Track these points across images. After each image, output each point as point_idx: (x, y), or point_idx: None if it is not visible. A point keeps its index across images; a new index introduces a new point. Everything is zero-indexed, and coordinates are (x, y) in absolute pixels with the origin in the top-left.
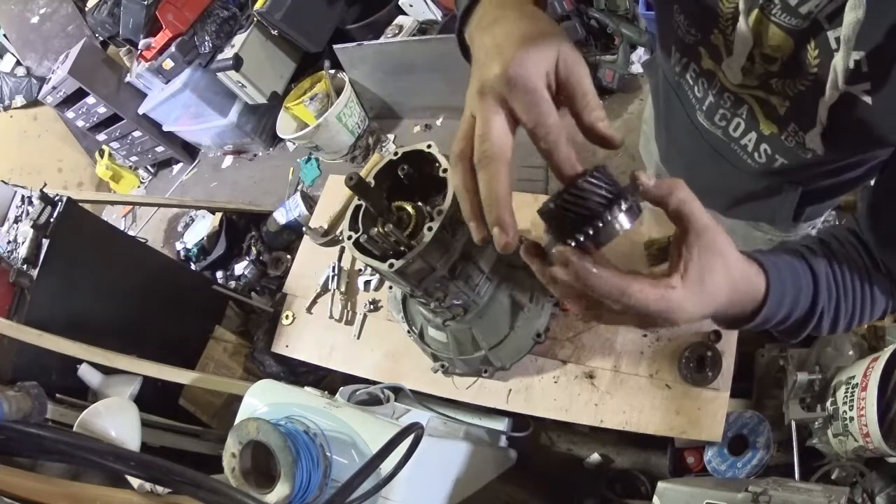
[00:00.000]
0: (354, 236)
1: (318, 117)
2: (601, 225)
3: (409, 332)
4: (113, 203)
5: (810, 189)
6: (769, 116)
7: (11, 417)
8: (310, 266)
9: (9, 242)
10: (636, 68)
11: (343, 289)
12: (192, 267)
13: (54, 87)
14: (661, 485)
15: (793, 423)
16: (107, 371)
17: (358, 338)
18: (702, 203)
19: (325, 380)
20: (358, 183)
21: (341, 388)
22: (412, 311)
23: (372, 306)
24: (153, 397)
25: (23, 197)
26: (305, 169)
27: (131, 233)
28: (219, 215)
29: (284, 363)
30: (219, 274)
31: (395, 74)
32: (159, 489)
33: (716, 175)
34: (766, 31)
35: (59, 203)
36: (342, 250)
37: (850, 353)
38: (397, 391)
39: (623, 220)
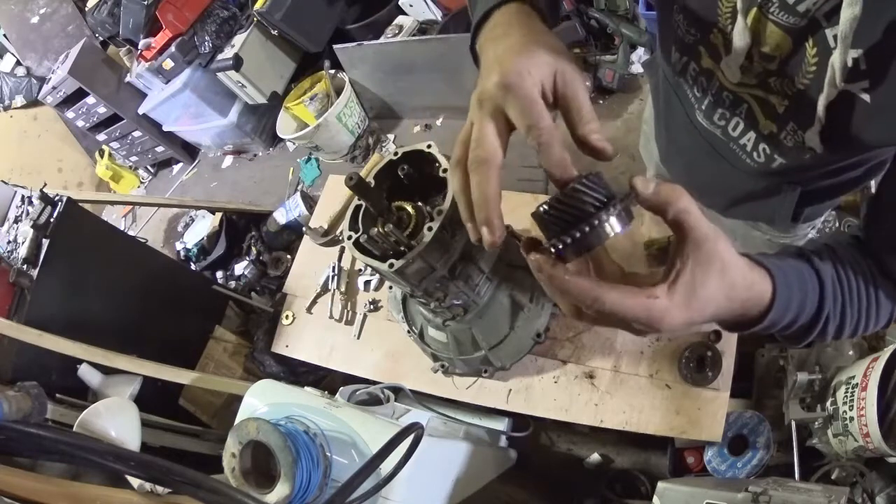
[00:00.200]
0: (354, 236)
1: (318, 117)
2: (587, 229)
3: (409, 332)
4: (113, 203)
5: (809, 189)
6: (768, 115)
7: (11, 417)
8: (310, 266)
9: (9, 242)
10: (636, 68)
11: (343, 289)
12: (192, 267)
13: (54, 87)
14: (661, 485)
15: (793, 423)
16: (107, 371)
17: (358, 338)
18: (701, 203)
19: (325, 380)
20: (358, 183)
21: (341, 388)
22: (412, 311)
23: (372, 306)
24: (153, 397)
25: (23, 197)
26: (305, 169)
27: (131, 233)
28: (219, 215)
29: (284, 363)
30: (219, 274)
31: (395, 74)
32: (159, 489)
33: (715, 175)
34: (764, 29)
35: (59, 203)
36: (342, 250)
37: (850, 353)
38: (397, 391)
39: (613, 224)
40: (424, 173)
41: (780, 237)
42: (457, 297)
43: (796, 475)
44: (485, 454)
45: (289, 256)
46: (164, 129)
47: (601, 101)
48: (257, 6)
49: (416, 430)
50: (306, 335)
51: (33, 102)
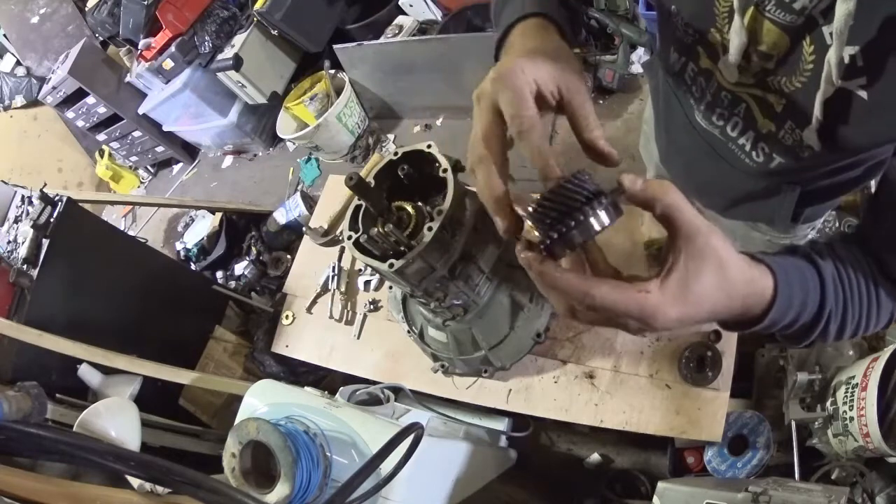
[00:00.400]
0: (354, 236)
1: (318, 117)
2: (573, 224)
3: (409, 332)
4: (113, 203)
5: (809, 189)
6: (766, 115)
7: (11, 417)
8: (310, 266)
9: (9, 242)
10: (636, 68)
11: (343, 289)
12: (192, 267)
13: (54, 87)
14: (661, 485)
15: (793, 423)
16: (107, 371)
17: (358, 338)
18: (701, 203)
19: (325, 380)
20: (358, 183)
21: (341, 388)
22: (412, 311)
23: (372, 306)
24: (153, 397)
25: (23, 197)
26: (305, 169)
27: (131, 233)
28: (219, 215)
29: (284, 363)
30: (219, 274)
31: (395, 74)
32: (159, 489)
33: (714, 175)
34: (760, 28)
35: (59, 203)
36: (342, 250)
37: (850, 353)
38: (397, 391)
39: (600, 217)
40: (424, 173)
41: (779, 238)
42: (457, 297)
43: (796, 475)
44: (485, 454)
45: (289, 256)
46: (164, 129)
47: (601, 101)
48: (257, 6)
49: (416, 430)
50: (306, 335)
51: (33, 102)
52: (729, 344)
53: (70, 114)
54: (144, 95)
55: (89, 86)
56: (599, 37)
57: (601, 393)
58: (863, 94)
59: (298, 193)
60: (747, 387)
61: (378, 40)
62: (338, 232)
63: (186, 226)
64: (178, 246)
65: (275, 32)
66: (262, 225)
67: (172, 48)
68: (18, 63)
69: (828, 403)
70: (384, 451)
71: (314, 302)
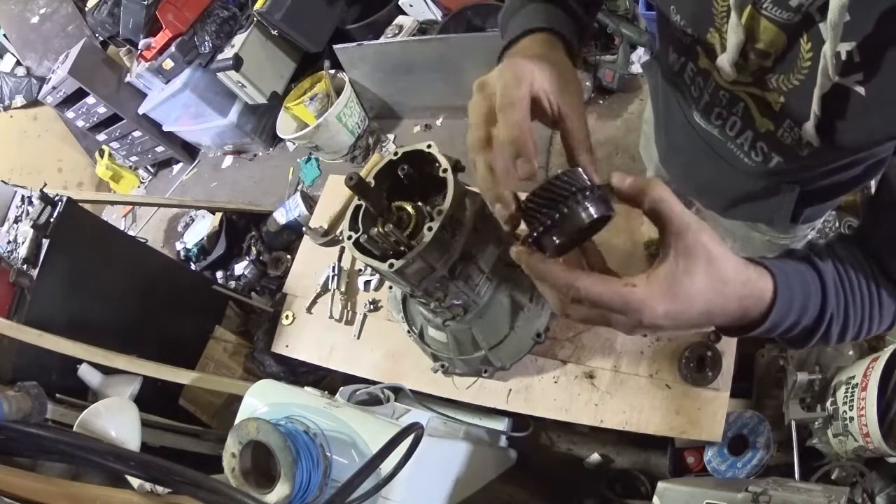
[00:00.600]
0: (354, 236)
1: (318, 117)
2: (557, 216)
3: (409, 332)
4: (113, 203)
5: (808, 189)
6: (764, 113)
7: (11, 417)
8: (310, 266)
9: (9, 242)
10: (636, 68)
11: (343, 289)
12: (192, 267)
13: (54, 87)
14: (661, 485)
15: (793, 423)
16: (107, 371)
17: (358, 338)
18: (700, 203)
19: (325, 380)
20: (358, 183)
21: (341, 388)
22: (412, 311)
23: (372, 306)
24: (153, 397)
25: (23, 197)
26: (305, 169)
27: (131, 233)
28: (219, 215)
29: (284, 363)
30: (219, 274)
31: (395, 74)
32: (159, 489)
33: (713, 175)
34: (758, 25)
35: (59, 203)
36: (342, 250)
37: (850, 353)
38: (397, 391)
39: (588, 209)
40: (424, 173)
41: (779, 238)
42: (457, 297)
43: (796, 475)
44: (485, 454)
45: (289, 256)
46: (164, 129)
47: (601, 101)
48: (257, 6)
49: (416, 430)
50: (306, 335)
51: (33, 102)
52: (729, 344)
53: (70, 114)
54: (144, 95)
55: (89, 86)
56: (599, 37)
57: (601, 393)
58: (860, 89)
59: (298, 193)
60: (747, 387)
61: (378, 40)
62: (338, 232)
63: (186, 226)
64: (178, 246)
65: (275, 32)
66: (262, 225)
67: (172, 48)
68: (18, 63)
69: (828, 403)
70: (384, 451)
71: (314, 302)
